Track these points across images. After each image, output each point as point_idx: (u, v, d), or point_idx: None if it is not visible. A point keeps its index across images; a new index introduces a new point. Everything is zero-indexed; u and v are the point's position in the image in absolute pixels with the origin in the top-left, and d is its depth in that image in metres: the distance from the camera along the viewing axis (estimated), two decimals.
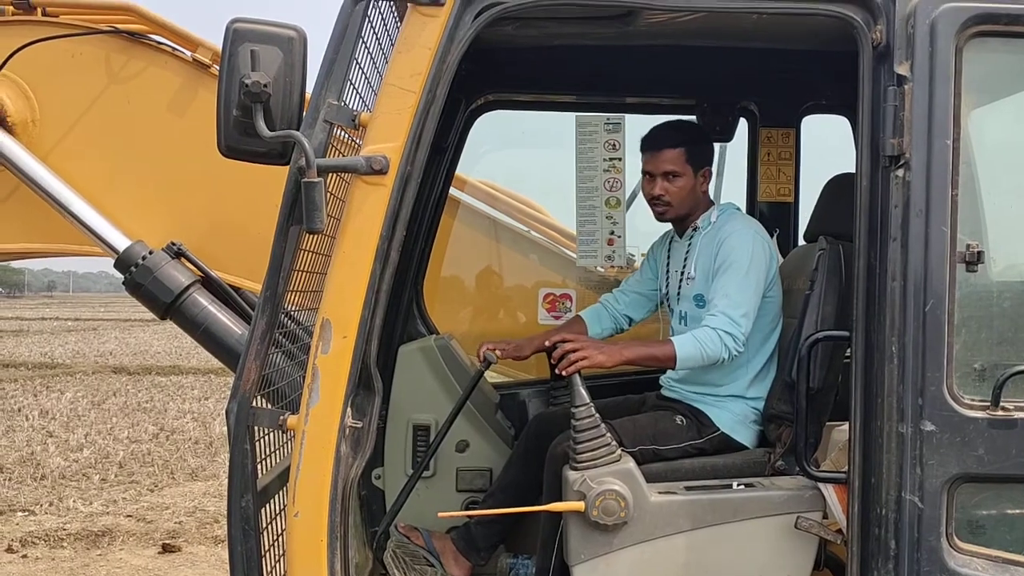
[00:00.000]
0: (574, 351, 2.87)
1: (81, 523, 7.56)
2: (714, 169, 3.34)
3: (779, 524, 2.66)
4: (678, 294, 3.21)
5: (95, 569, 6.57)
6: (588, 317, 3.44)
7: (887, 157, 2.27)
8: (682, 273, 3.19)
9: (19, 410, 13.27)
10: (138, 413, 13.14)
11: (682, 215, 3.21)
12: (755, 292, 2.98)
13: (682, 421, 3.03)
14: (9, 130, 3.14)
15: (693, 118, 3.90)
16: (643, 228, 4.16)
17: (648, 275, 3.45)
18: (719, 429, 3.02)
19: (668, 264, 3.33)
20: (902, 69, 2.27)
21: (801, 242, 3.59)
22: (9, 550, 6.95)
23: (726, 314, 2.93)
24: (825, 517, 2.65)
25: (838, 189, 3.11)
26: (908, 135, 2.25)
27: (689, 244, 3.20)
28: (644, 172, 3.22)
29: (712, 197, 3.35)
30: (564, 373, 2.86)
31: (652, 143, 3.20)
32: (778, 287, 3.12)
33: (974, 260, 2.25)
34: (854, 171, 2.42)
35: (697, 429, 3.02)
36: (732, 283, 2.96)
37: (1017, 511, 2.39)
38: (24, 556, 6.85)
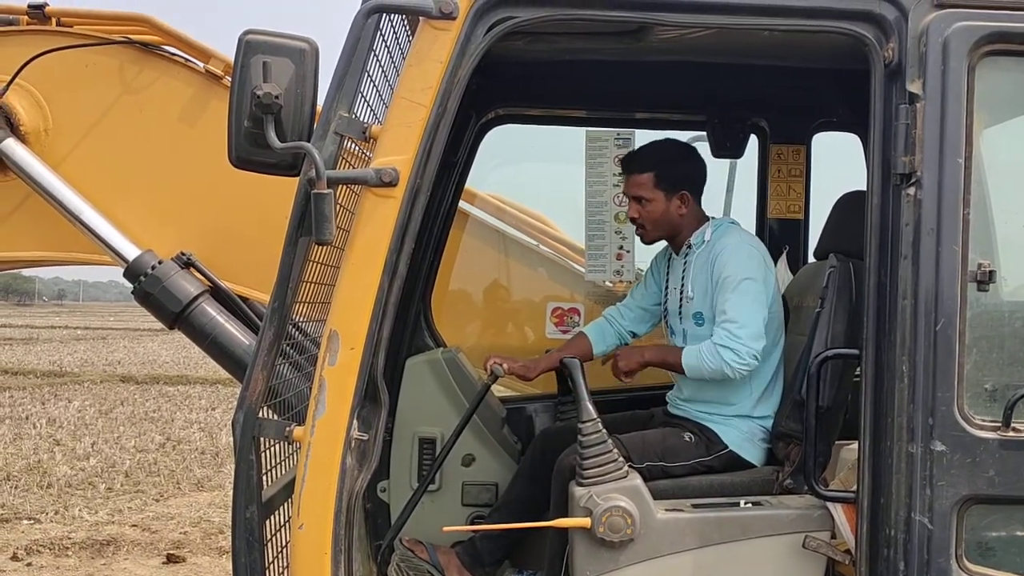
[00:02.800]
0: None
1: (86, 532, 7.56)
2: (723, 185, 3.34)
3: (787, 543, 2.64)
4: (679, 312, 3.21)
5: None
6: (592, 334, 3.44)
7: (898, 175, 2.26)
8: (681, 292, 3.19)
9: (27, 418, 13.30)
10: (145, 422, 13.16)
11: (659, 237, 3.24)
12: (754, 303, 2.97)
13: (691, 438, 3.02)
14: (22, 139, 3.16)
15: (703, 134, 3.90)
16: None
17: (652, 288, 3.44)
18: (727, 447, 3.01)
19: (668, 280, 3.33)
20: (914, 87, 2.26)
21: (811, 259, 3.58)
22: (14, 558, 6.95)
23: (725, 329, 2.94)
24: (833, 537, 2.63)
25: (849, 206, 3.10)
26: (920, 153, 2.24)
27: (685, 262, 3.20)
28: (624, 194, 3.27)
29: (722, 212, 3.34)
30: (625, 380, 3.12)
31: (626, 166, 3.24)
32: (778, 303, 3.11)
33: (985, 279, 2.24)
34: (865, 189, 2.41)
35: (706, 446, 3.01)
36: (729, 300, 2.97)
37: None
38: (29, 564, 6.85)
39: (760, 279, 3.01)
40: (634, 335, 3.48)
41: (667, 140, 3.39)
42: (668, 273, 3.33)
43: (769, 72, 3.31)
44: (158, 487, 9.20)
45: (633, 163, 3.21)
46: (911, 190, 2.25)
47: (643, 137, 4.00)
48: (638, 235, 3.25)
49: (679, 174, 3.18)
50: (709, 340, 2.96)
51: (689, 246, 3.19)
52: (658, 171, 3.14)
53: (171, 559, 6.93)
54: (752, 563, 2.66)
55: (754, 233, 3.63)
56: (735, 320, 2.93)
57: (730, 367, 2.90)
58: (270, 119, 2.17)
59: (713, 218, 3.24)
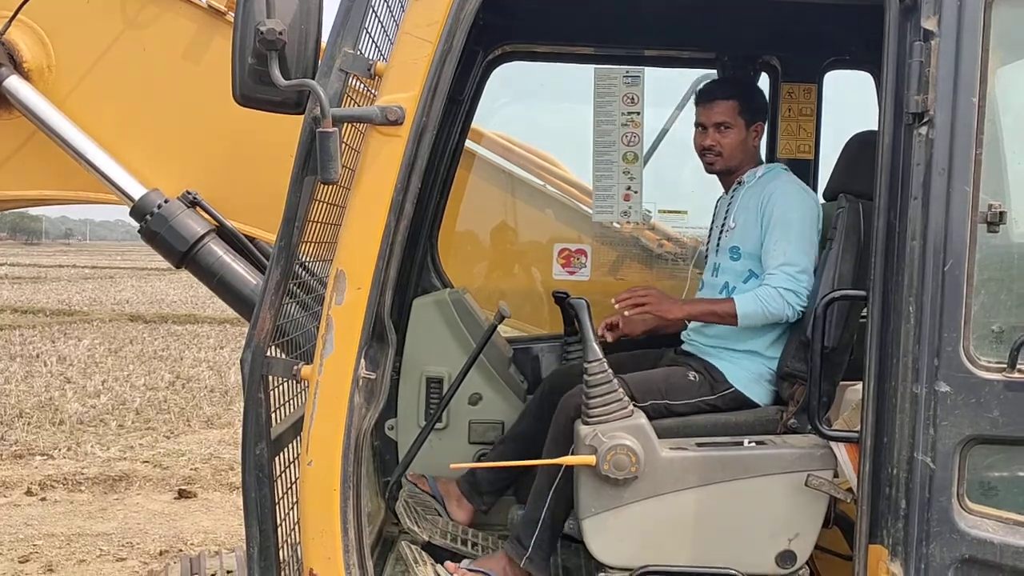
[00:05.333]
0: (643, 296, 2.97)
1: (99, 468, 7.69)
2: None
3: (789, 482, 2.67)
4: (717, 246, 3.21)
5: (112, 513, 6.70)
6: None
7: (911, 114, 2.23)
8: (722, 226, 3.19)
9: (37, 356, 13.44)
10: (154, 361, 13.30)
11: (731, 167, 3.22)
12: (810, 247, 2.98)
13: (695, 377, 3.03)
14: (25, 76, 3.12)
15: (714, 72, 3.85)
16: (660, 184, 4.13)
17: None
18: (732, 386, 3.02)
19: (712, 223, 3.36)
20: (929, 24, 2.22)
21: (820, 200, 3.56)
22: (28, 493, 7.08)
23: (784, 272, 2.93)
24: (836, 476, 2.65)
25: (860, 147, 3.06)
26: (933, 92, 2.20)
27: (732, 197, 3.22)
28: (697, 124, 3.25)
29: None
30: (627, 314, 2.98)
31: (706, 95, 3.24)
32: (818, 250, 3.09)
33: (996, 220, 2.22)
34: (876, 129, 2.38)
35: (710, 385, 3.02)
36: (786, 240, 2.97)
37: None
38: (43, 499, 6.99)
39: (815, 224, 3.02)
40: None
41: (738, 76, 3.55)
42: (714, 217, 3.37)
43: (781, 8, 3.25)
44: (168, 424, 9.33)
45: (716, 90, 3.25)
46: (923, 129, 2.22)
47: (652, 75, 3.95)
48: (708, 162, 3.24)
49: (757, 105, 3.27)
50: (766, 286, 2.95)
51: (740, 183, 3.21)
52: (740, 99, 3.19)
53: (183, 494, 7.06)
54: (755, 501, 2.69)
55: None
56: (795, 263, 2.93)
57: (792, 309, 2.92)
58: (274, 56, 2.14)
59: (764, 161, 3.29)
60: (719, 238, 3.22)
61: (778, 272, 2.94)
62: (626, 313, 3.04)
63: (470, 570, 2.91)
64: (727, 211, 3.21)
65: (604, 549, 2.71)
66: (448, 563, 2.93)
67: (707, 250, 3.35)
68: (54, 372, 12.10)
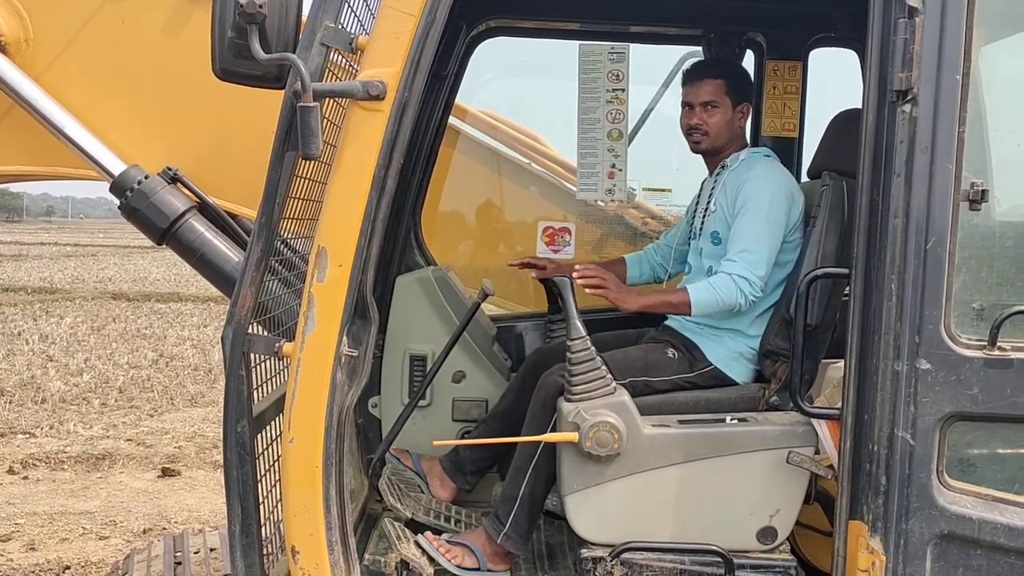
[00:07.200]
0: (600, 280, 2.91)
1: (81, 446, 7.66)
2: None
3: (771, 459, 2.68)
4: (700, 229, 3.22)
5: (95, 491, 6.68)
6: (630, 260, 3.53)
7: (895, 92, 2.23)
8: (705, 209, 3.20)
9: (19, 334, 13.35)
10: (138, 339, 13.23)
11: (717, 147, 3.22)
12: (772, 237, 2.96)
13: (673, 354, 3.04)
14: (3, 50, 3.08)
15: (699, 48, 3.84)
16: (645, 161, 4.12)
17: (683, 228, 3.48)
18: (711, 364, 3.03)
19: (697, 204, 3.36)
20: (914, 1, 2.21)
21: (804, 178, 3.56)
22: (11, 471, 7.05)
23: (743, 259, 2.93)
24: (817, 453, 2.67)
25: (844, 125, 3.06)
26: (917, 69, 2.19)
27: (715, 181, 3.21)
28: (684, 104, 3.25)
29: None
30: (588, 292, 2.90)
31: (694, 74, 3.24)
32: (801, 231, 3.08)
33: (978, 198, 2.22)
34: (860, 106, 2.38)
35: (689, 363, 3.03)
36: (749, 228, 2.96)
37: (1009, 450, 2.40)
38: (25, 477, 6.96)
39: (783, 214, 2.99)
40: (667, 272, 3.53)
41: (726, 57, 3.61)
42: (698, 199, 3.37)
43: None
44: (152, 403, 9.30)
45: (705, 69, 3.27)
46: (907, 107, 2.21)
47: (637, 51, 3.93)
48: (694, 142, 3.24)
49: (744, 87, 3.28)
50: (722, 273, 2.94)
51: (724, 166, 3.21)
52: (730, 79, 3.20)
53: (166, 472, 7.05)
54: (736, 478, 2.70)
55: None
56: (755, 251, 2.93)
57: (744, 297, 2.91)
58: (254, 29, 2.11)
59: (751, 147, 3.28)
60: (702, 221, 3.21)
61: (737, 259, 2.94)
62: (587, 291, 2.93)
63: (450, 542, 2.92)
64: (710, 194, 3.20)
65: (586, 525, 2.72)
66: (428, 533, 2.93)
67: (691, 231, 3.34)
68: (36, 350, 12.03)
